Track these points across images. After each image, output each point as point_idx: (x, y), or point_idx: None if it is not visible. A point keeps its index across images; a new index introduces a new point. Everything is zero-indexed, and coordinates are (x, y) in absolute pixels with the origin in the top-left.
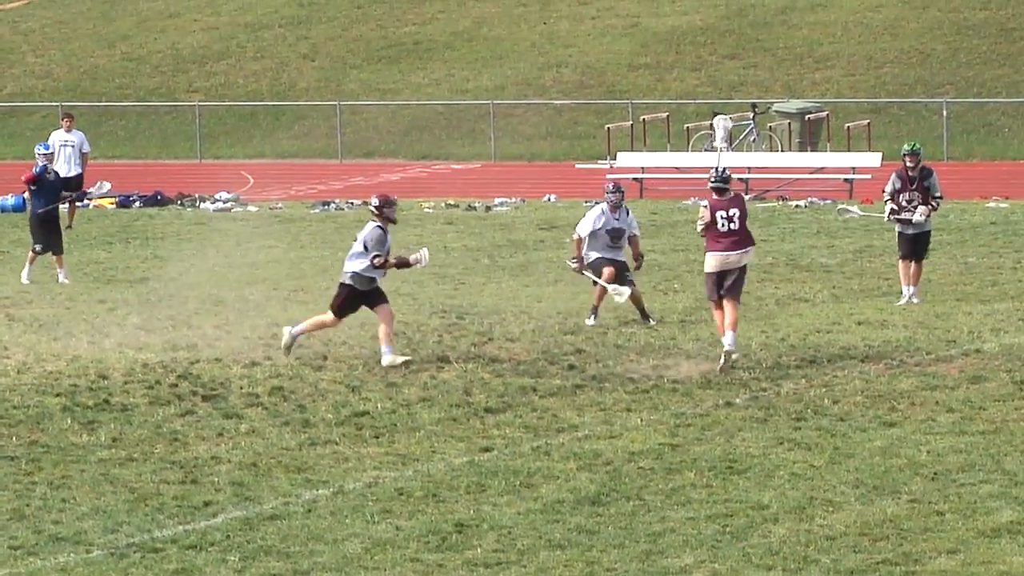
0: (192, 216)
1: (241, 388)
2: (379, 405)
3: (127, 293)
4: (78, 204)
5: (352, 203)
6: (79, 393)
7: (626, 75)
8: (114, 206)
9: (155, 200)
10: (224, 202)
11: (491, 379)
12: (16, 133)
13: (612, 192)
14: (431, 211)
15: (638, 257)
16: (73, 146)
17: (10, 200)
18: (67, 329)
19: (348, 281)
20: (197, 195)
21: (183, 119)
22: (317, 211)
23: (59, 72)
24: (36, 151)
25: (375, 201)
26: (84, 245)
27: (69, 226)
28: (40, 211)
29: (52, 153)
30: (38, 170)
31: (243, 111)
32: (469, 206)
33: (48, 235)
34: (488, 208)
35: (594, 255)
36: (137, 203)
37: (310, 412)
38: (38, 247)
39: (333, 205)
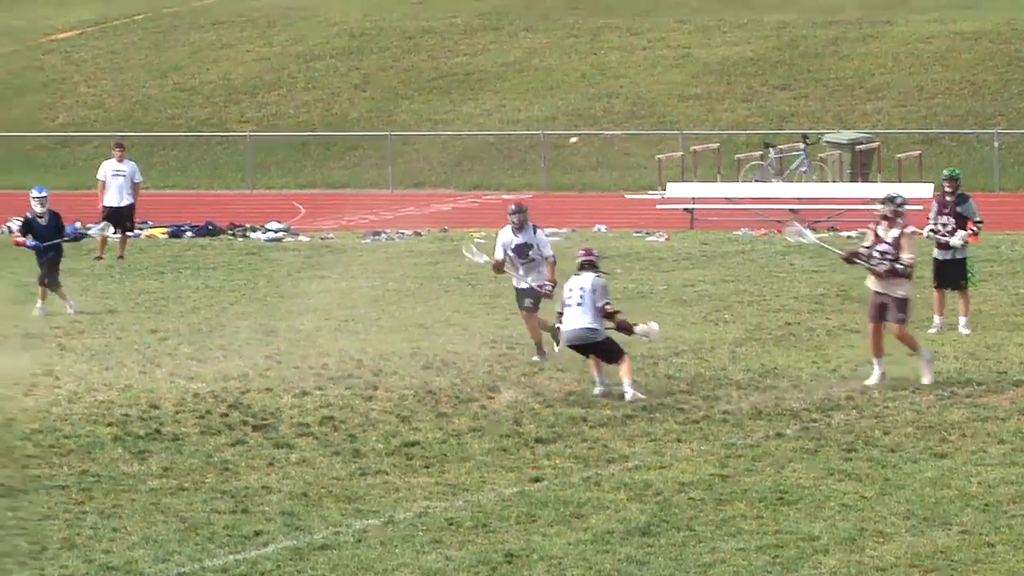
0: (243, 246)
1: (292, 418)
2: (429, 435)
3: (178, 323)
4: (128, 235)
5: (403, 233)
6: (130, 422)
7: (677, 105)
8: (166, 236)
9: (206, 230)
10: (275, 232)
11: (541, 409)
12: (69, 163)
13: (513, 213)
14: (482, 241)
15: (551, 282)
16: (125, 176)
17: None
18: (118, 359)
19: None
20: (248, 225)
21: (235, 149)
22: (368, 241)
23: (111, 102)
24: (31, 194)
25: (596, 251)
26: (136, 275)
27: (121, 256)
28: (37, 247)
29: (45, 196)
30: (29, 215)
31: (294, 141)
32: None
33: (50, 271)
34: None
35: (516, 286)
36: (188, 233)
37: (360, 442)
38: (46, 280)
39: (384, 235)
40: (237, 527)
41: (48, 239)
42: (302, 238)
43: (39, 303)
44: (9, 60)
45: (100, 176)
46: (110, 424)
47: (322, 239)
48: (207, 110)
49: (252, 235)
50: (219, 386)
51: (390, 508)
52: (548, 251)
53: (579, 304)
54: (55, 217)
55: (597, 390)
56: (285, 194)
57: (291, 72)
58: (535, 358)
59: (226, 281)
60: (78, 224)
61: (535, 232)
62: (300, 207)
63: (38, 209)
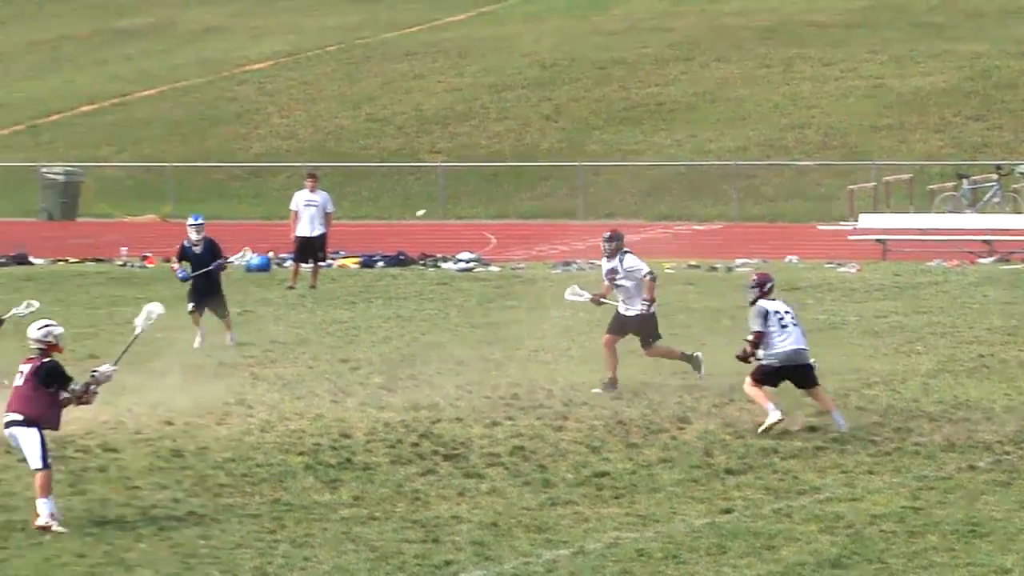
0: (434, 276)
1: (482, 448)
2: (619, 466)
3: (370, 352)
4: (321, 265)
5: (593, 263)
6: (322, 451)
7: (869, 136)
8: (357, 266)
9: (398, 260)
10: (466, 262)
11: (732, 440)
12: (261, 193)
13: (606, 240)
14: (672, 271)
15: (648, 300)
16: (317, 206)
17: (255, 259)
18: (310, 388)
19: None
20: (439, 255)
21: (426, 179)
22: (558, 271)
23: (304, 133)
24: (187, 222)
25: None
26: (328, 304)
27: (313, 286)
28: (185, 278)
29: (201, 224)
30: (185, 244)
31: (486, 171)
32: (711, 267)
33: (203, 299)
34: (730, 269)
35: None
36: (380, 263)
37: (551, 472)
38: (190, 305)
39: (575, 265)
40: (428, 557)
41: (203, 268)
42: (493, 268)
43: (199, 335)
44: (203, 91)
45: (293, 206)
46: (302, 453)
47: (513, 269)
48: (399, 140)
49: (443, 265)
50: (410, 416)
51: (580, 539)
52: (641, 271)
53: (794, 325)
54: (211, 245)
55: (771, 419)
56: (476, 224)
57: (483, 103)
58: (596, 391)
59: (417, 311)
60: (270, 254)
61: (622, 259)
62: (491, 237)
63: (193, 237)
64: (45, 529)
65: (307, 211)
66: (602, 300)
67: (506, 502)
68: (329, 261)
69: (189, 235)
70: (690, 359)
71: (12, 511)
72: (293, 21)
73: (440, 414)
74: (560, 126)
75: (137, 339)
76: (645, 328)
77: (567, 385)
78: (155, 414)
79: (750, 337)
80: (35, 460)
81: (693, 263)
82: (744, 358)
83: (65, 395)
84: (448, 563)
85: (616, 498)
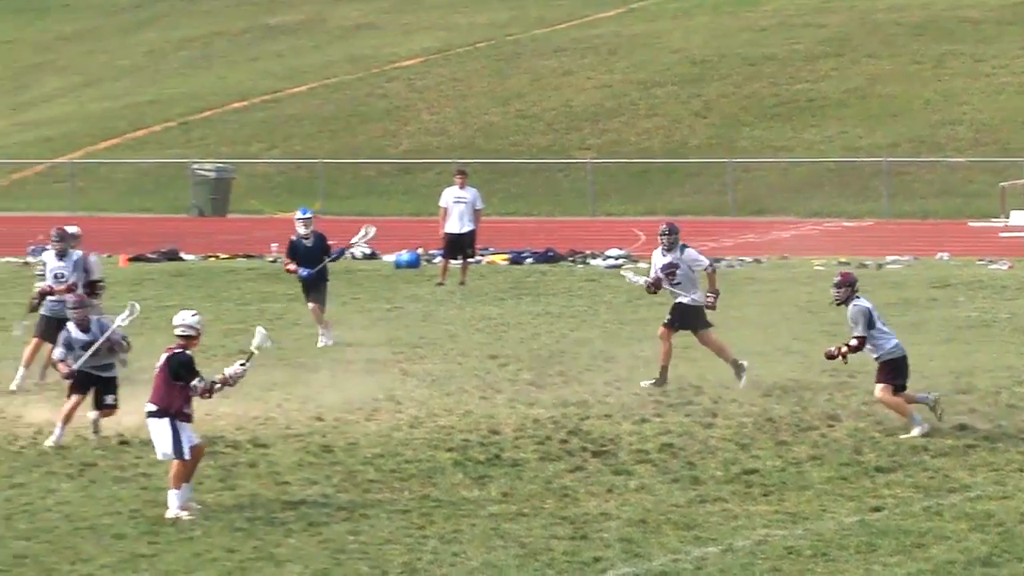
0: (583, 272)
1: (631, 444)
2: (768, 463)
3: (518, 349)
4: (470, 261)
5: (743, 260)
6: (470, 448)
7: (1021, 133)
8: (506, 262)
9: (547, 257)
10: (615, 259)
11: (882, 438)
12: (411, 189)
13: (663, 234)
14: (822, 269)
15: (713, 292)
16: (466, 203)
17: (404, 256)
18: (459, 384)
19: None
20: (588, 252)
21: (576, 176)
22: (707, 269)
23: (453, 129)
24: (295, 216)
25: None
26: (477, 301)
27: (462, 282)
28: (308, 275)
29: (310, 218)
30: (293, 239)
31: (635, 168)
32: (861, 264)
33: (311, 294)
34: (880, 266)
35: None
36: (529, 259)
37: (699, 469)
38: (311, 305)
39: (724, 262)
40: (576, 553)
41: (314, 262)
42: (642, 265)
43: (320, 331)
44: (354, 87)
45: (442, 203)
46: (451, 449)
47: None
48: (548, 137)
49: (592, 262)
50: (559, 412)
51: (729, 536)
52: (701, 264)
53: None
54: (320, 239)
55: (917, 431)
56: (625, 221)
57: (632, 99)
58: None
59: (566, 307)
60: (420, 250)
61: (683, 252)
62: (640, 234)
63: (302, 231)
64: (176, 520)
65: (456, 208)
66: (659, 287)
67: (655, 499)
68: (478, 257)
69: (297, 230)
70: (736, 365)
71: (162, 506)
72: (443, 18)
73: (589, 411)
74: (710, 122)
75: (254, 360)
76: (700, 317)
77: (716, 382)
78: (305, 410)
79: (853, 342)
80: (165, 448)
81: (843, 260)
82: (833, 356)
83: (192, 385)
84: (597, 560)
85: (765, 495)
